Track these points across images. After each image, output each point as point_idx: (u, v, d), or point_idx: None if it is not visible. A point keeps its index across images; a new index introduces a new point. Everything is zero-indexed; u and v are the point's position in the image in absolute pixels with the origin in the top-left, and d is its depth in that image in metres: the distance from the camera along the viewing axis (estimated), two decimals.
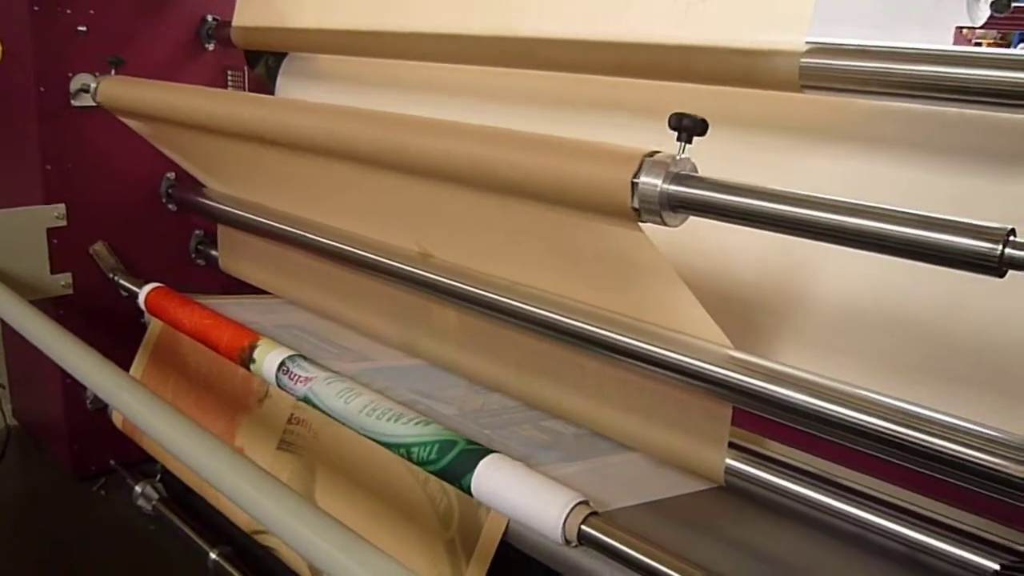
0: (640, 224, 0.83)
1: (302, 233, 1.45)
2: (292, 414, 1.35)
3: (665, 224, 0.80)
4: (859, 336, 1.00)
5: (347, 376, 1.18)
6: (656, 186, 0.78)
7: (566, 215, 0.89)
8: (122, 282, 1.72)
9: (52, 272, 1.71)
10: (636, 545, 0.86)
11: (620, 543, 0.87)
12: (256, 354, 1.30)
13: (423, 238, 1.22)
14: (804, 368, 0.88)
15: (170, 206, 1.82)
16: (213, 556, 1.50)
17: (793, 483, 0.94)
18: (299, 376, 1.20)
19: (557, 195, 0.85)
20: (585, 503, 0.91)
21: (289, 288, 1.61)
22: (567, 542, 0.90)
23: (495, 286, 1.14)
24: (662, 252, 0.89)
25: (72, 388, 1.78)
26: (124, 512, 1.72)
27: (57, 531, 1.71)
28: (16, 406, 2.10)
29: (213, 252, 1.83)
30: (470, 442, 1.01)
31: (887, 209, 0.69)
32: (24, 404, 2.07)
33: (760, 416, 0.93)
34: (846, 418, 0.83)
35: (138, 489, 1.72)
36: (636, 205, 0.80)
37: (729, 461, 0.97)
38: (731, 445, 0.98)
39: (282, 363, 1.25)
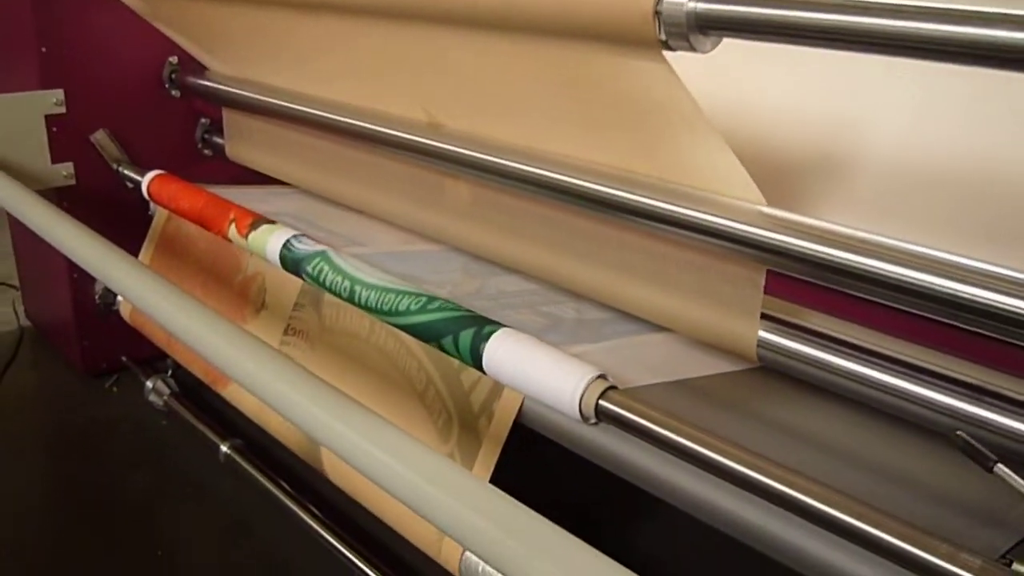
0: (666, 59, 0.73)
1: (305, 109, 1.36)
2: (288, 324, 1.29)
3: (694, 50, 0.70)
4: (910, 198, 0.91)
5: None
6: (682, 5, 0.68)
7: (584, 55, 0.79)
8: (126, 172, 1.65)
9: (53, 162, 1.64)
10: (661, 421, 0.78)
11: (643, 419, 0.79)
12: (256, 234, 1.22)
13: (431, 104, 1.13)
14: (845, 223, 0.79)
15: (173, 92, 1.74)
16: (224, 449, 1.46)
17: (833, 355, 0.86)
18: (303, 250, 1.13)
19: (572, 22, 0.75)
20: (603, 377, 0.83)
21: (297, 172, 1.53)
22: (584, 419, 0.83)
23: (508, 152, 1.05)
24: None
25: (80, 283, 1.73)
26: (136, 408, 1.69)
27: (68, 430, 1.68)
28: (28, 306, 2.07)
29: (219, 140, 1.75)
30: (481, 317, 0.93)
31: (950, 9, 0.59)
32: (35, 304, 2.03)
33: (797, 281, 0.84)
34: (892, 275, 0.74)
35: (149, 384, 1.67)
36: (661, 35, 0.71)
37: (763, 334, 0.89)
38: (764, 317, 0.89)
39: (286, 243, 1.18)
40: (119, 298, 1.68)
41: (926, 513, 0.73)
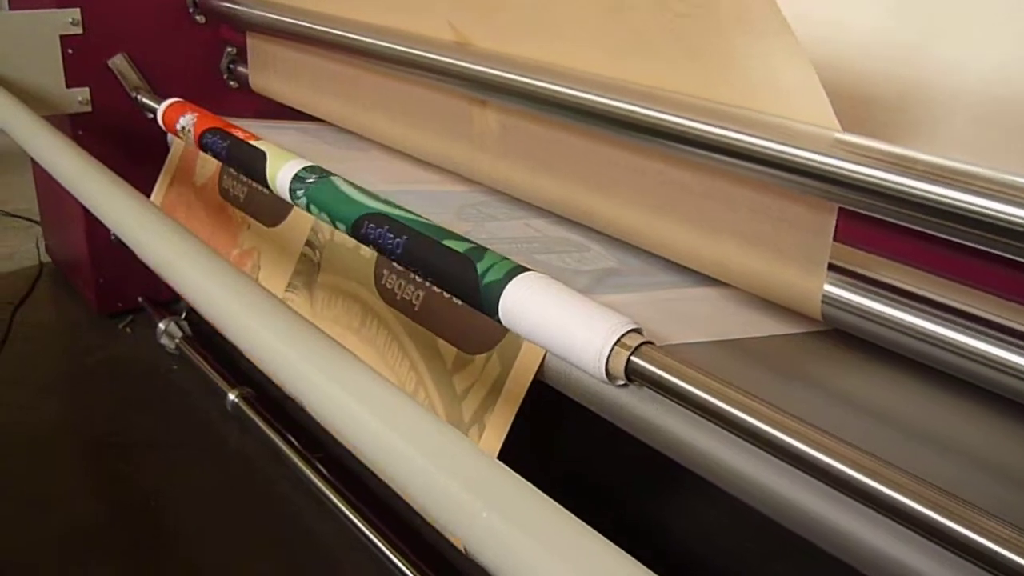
0: None
1: (327, 29, 1.24)
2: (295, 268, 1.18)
3: None
4: (1001, 132, 0.76)
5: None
6: None
7: None
8: (145, 100, 1.54)
9: (68, 86, 1.54)
10: (704, 384, 0.65)
11: (683, 380, 0.66)
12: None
13: (458, 18, 1.00)
14: (942, 155, 0.65)
15: (198, 17, 1.63)
16: (232, 398, 1.36)
17: (915, 316, 0.71)
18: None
19: None
20: (637, 331, 0.70)
21: (318, 102, 1.41)
22: (611, 379, 0.70)
23: (542, 72, 0.91)
24: None
25: (95, 218, 1.64)
26: (148, 350, 1.60)
27: (75, 369, 1.60)
28: (48, 242, 1.99)
29: (245, 70, 1.63)
30: (500, 256, 0.80)
31: None
32: (55, 239, 1.96)
33: (874, 224, 0.70)
34: (1000, 216, 0.60)
35: (161, 326, 1.58)
36: None
37: (829, 288, 0.75)
38: (832, 268, 0.75)
39: (296, 175, 1.06)
40: None
41: None
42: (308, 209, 0.94)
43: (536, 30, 0.94)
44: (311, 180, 0.94)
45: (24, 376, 1.55)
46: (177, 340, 1.56)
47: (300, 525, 1.21)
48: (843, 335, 0.78)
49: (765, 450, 0.62)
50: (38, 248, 2.02)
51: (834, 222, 0.73)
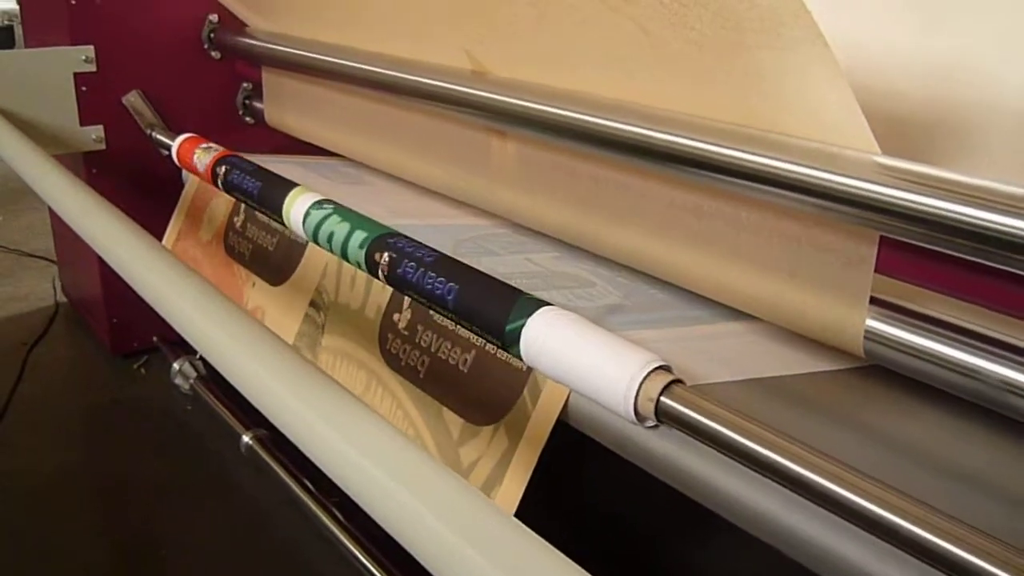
0: None
1: (342, 62, 1.22)
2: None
3: None
4: None
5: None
6: None
7: None
8: (159, 138, 1.52)
9: (82, 124, 1.53)
10: (739, 426, 0.60)
11: (716, 422, 0.61)
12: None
13: (475, 46, 0.97)
14: (990, 177, 0.60)
15: (213, 53, 1.62)
16: (246, 439, 1.32)
17: (964, 352, 0.67)
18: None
19: None
20: (666, 368, 0.66)
21: (335, 137, 1.39)
22: (640, 419, 0.66)
23: (563, 100, 0.88)
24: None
25: None
26: (162, 391, 1.57)
27: (89, 411, 1.57)
28: (64, 281, 1.97)
29: (261, 106, 1.62)
30: (518, 291, 0.76)
31: None
32: (70, 279, 1.94)
33: (918, 255, 0.66)
34: None
35: (176, 366, 1.55)
36: None
37: (871, 322, 0.71)
38: (874, 301, 0.71)
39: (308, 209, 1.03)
40: None
41: None
42: (317, 238, 0.90)
43: (556, 58, 0.91)
44: (326, 211, 0.91)
45: (36, 418, 1.52)
46: (191, 380, 1.53)
47: (315, 573, 1.16)
48: (886, 371, 0.74)
49: (808, 498, 0.57)
50: (54, 288, 2.00)
51: (875, 252, 0.69)
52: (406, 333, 0.94)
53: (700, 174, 0.76)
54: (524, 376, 0.80)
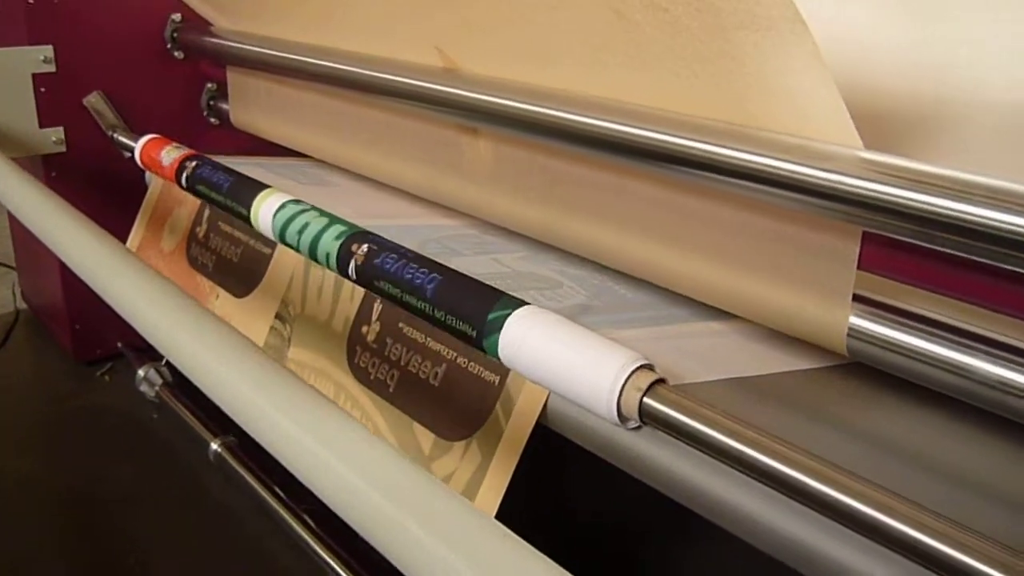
0: None
1: (308, 60, 1.19)
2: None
3: None
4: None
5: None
6: None
7: None
8: (122, 139, 1.48)
9: (41, 126, 1.49)
10: (724, 426, 0.59)
11: (700, 423, 0.60)
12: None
13: (445, 42, 0.95)
14: (978, 171, 0.60)
15: (176, 53, 1.58)
16: (215, 447, 1.29)
17: (951, 349, 0.66)
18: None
19: None
20: (649, 367, 0.65)
21: (303, 137, 1.36)
22: (623, 421, 0.65)
23: (537, 95, 0.87)
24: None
25: None
26: (127, 399, 1.53)
27: (52, 420, 1.53)
28: (24, 288, 1.92)
29: (226, 107, 1.59)
30: (496, 290, 0.75)
31: None
32: (30, 285, 1.89)
33: (901, 250, 0.65)
34: None
35: (141, 373, 1.51)
36: None
37: (855, 320, 0.70)
38: (857, 298, 0.70)
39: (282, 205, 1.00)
40: None
41: None
42: (286, 234, 0.88)
43: (529, 52, 0.89)
44: (302, 207, 0.89)
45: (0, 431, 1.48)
46: (157, 387, 1.49)
47: None
48: (868, 369, 0.73)
49: (795, 498, 0.56)
50: (14, 294, 1.95)
51: (858, 248, 0.68)
52: (375, 346, 0.92)
53: (678, 170, 0.75)
54: (496, 390, 0.79)
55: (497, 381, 0.79)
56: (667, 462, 0.66)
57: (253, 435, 0.60)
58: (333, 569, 1.06)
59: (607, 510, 1.06)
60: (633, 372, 0.64)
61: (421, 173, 1.10)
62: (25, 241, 1.80)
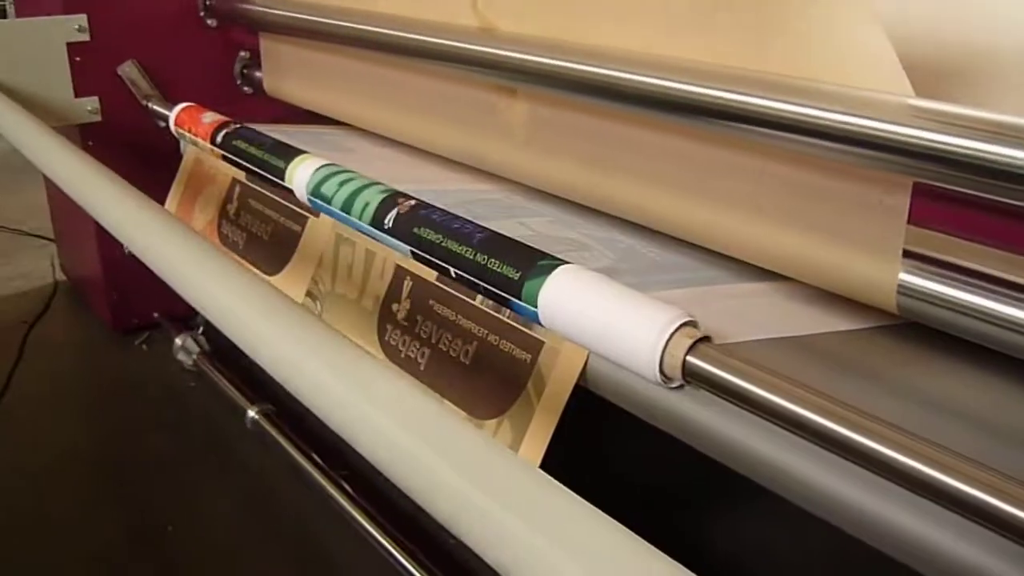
0: None
1: (341, 23, 1.18)
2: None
3: None
4: None
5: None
6: None
7: None
8: (156, 108, 1.48)
9: (76, 96, 1.49)
10: (772, 384, 0.57)
11: (747, 381, 0.59)
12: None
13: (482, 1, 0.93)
14: None
15: (209, 21, 1.58)
16: (252, 414, 1.30)
17: (998, 302, 0.63)
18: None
19: None
20: (692, 324, 0.63)
21: (335, 103, 1.35)
22: (667, 380, 0.63)
23: (572, 53, 0.85)
24: None
25: (108, 233, 1.58)
26: (164, 368, 1.54)
27: (90, 390, 1.54)
28: (62, 260, 1.94)
29: (260, 75, 1.58)
30: (533, 249, 0.73)
31: None
32: (69, 256, 1.91)
33: (954, 203, 0.63)
34: None
35: (178, 342, 1.52)
36: None
37: (904, 276, 0.68)
38: (907, 254, 0.68)
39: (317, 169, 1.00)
40: None
41: None
42: (320, 190, 0.88)
43: (564, 9, 0.87)
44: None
45: (37, 396, 1.50)
46: (194, 356, 1.50)
47: (324, 547, 1.14)
48: (918, 328, 0.70)
49: (848, 458, 0.54)
50: (53, 267, 1.97)
51: (908, 201, 0.66)
52: (405, 323, 0.91)
53: (721, 124, 0.73)
54: (528, 368, 0.78)
55: (529, 359, 0.77)
56: (712, 423, 0.64)
57: (295, 393, 0.59)
58: (371, 535, 1.06)
59: (649, 475, 1.05)
60: (677, 329, 0.62)
61: (456, 137, 1.09)
62: (63, 212, 1.82)
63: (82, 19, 1.46)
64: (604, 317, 0.65)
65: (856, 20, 0.61)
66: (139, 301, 1.63)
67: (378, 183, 0.87)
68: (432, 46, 1.02)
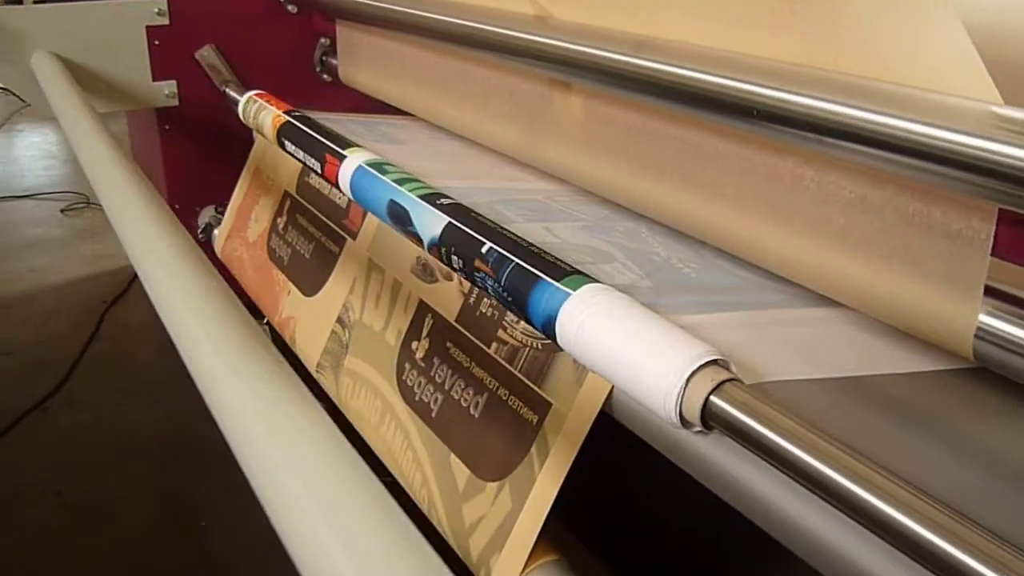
0: None
1: (403, 10, 1.13)
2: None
3: None
4: None
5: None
6: None
7: None
8: (233, 94, 1.47)
9: (155, 79, 1.49)
10: (804, 439, 0.49)
11: (774, 432, 0.50)
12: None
13: None
14: None
15: (289, 7, 1.55)
16: None
17: None
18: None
19: None
20: (720, 364, 0.55)
21: (401, 93, 1.30)
22: (685, 424, 0.55)
23: (634, 47, 0.77)
24: None
25: (179, 215, 1.58)
26: None
27: (157, 372, 1.54)
28: None
29: (337, 62, 1.54)
30: (561, 263, 0.66)
31: None
32: None
33: None
34: None
35: None
36: None
37: (984, 318, 0.57)
38: (988, 292, 0.57)
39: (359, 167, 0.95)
40: (215, 232, 1.52)
41: None
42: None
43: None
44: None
45: (104, 376, 1.51)
46: None
47: None
48: (1000, 376, 0.60)
49: (888, 540, 0.45)
50: None
51: (992, 230, 0.55)
52: (423, 364, 0.88)
53: (787, 132, 0.63)
54: (532, 432, 0.73)
55: (535, 421, 0.73)
56: (739, 471, 0.56)
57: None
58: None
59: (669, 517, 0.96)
60: (700, 368, 0.54)
61: (510, 131, 1.02)
62: None
63: (161, 2, 1.45)
64: (621, 346, 0.57)
65: (929, 9, 0.51)
66: None
67: (419, 181, 0.82)
68: (482, 34, 0.95)
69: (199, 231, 1.58)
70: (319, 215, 1.15)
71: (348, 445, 0.38)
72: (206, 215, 1.59)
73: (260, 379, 0.45)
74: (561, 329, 0.62)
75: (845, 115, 0.58)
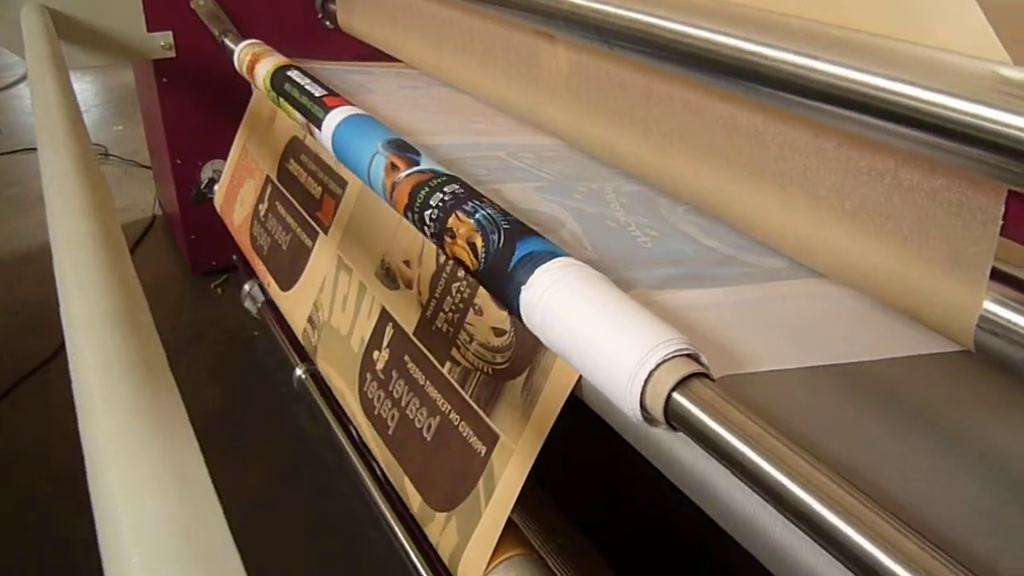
0: None
1: None
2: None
3: None
4: None
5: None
6: None
7: None
8: (231, 44, 1.41)
9: (149, 30, 1.43)
10: (770, 448, 0.44)
11: (738, 438, 0.45)
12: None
13: None
14: None
15: None
16: (299, 373, 1.23)
17: None
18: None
19: None
20: (689, 356, 0.49)
21: (394, 40, 1.24)
22: (648, 420, 0.50)
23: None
24: None
25: (183, 170, 1.55)
26: (234, 314, 1.49)
27: (162, 330, 1.52)
28: (159, 194, 1.94)
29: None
30: (530, 230, 0.61)
31: None
32: (160, 192, 1.90)
33: None
34: None
35: (246, 288, 1.47)
36: None
37: (989, 305, 0.51)
38: (995, 275, 0.51)
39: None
40: (215, 187, 1.48)
41: None
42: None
43: None
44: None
45: None
46: (259, 304, 1.45)
47: (347, 515, 1.08)
48: (1001, 364, 0.54)
49: (825, 546, 0.40)
50: (154, 200, 1.97)
51: (1002, 209, 0.49)
52: (382, 376, 0.87)
53: (778, 96, 0.57)
54: (480, 464, 0.71)
55: (483, 453, 0.71)
56: (702, 469, 0.51)
57: None
58: (381, 511, 0.97)
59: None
60: (665, 360, 0.49)
61: (498, 82, 0.96)
62: (154, 149, 1.80)
63: None
64: (586, 333, 0.52)
65: None
66: (217, 243, 1.59)
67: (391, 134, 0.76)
68: None
69: (202, 186, 1.54)
70: (295, 204, 1.11)
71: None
72: (209, 169, 1.55)
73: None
74: (525, 309, 0.57)
75: (835, 75, 0.52)
